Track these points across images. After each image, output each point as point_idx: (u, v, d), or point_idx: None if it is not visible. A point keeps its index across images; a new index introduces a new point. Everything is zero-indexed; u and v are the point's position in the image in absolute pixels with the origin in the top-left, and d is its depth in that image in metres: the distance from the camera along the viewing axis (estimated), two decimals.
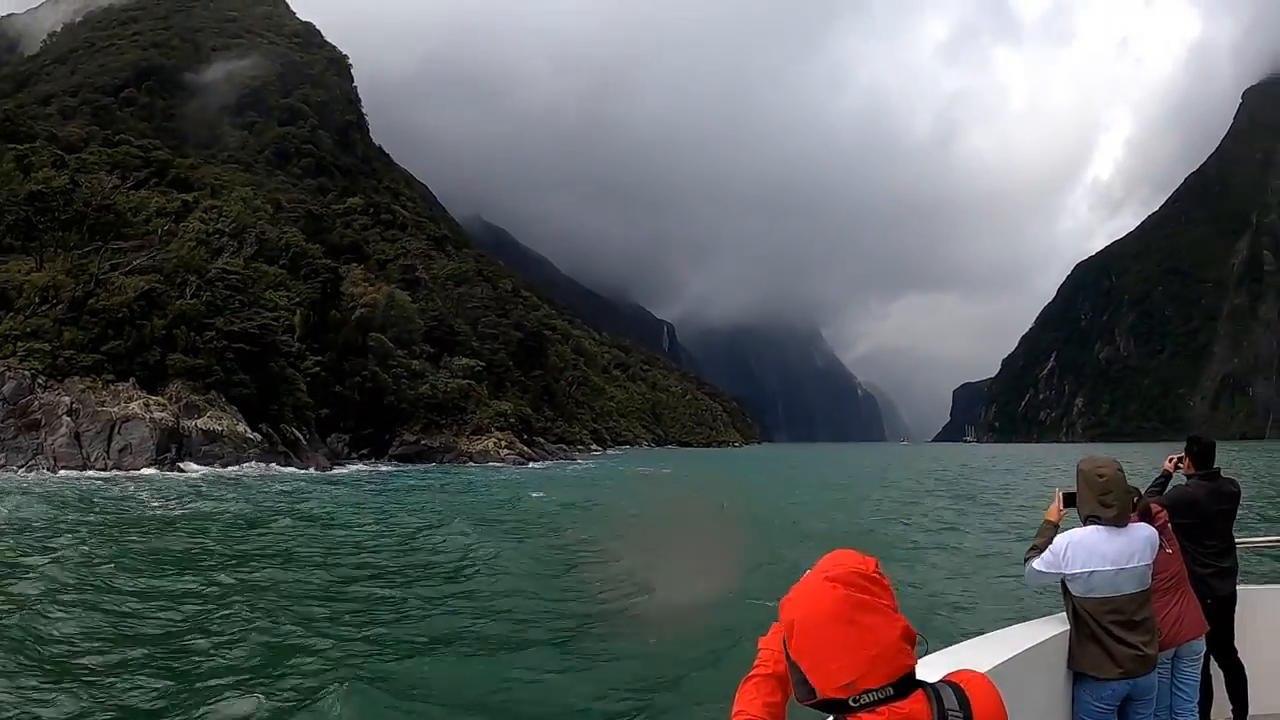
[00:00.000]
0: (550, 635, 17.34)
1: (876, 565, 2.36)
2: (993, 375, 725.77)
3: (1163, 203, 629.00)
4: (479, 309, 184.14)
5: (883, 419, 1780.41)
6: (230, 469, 78.29)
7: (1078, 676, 6.40)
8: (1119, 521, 6.22)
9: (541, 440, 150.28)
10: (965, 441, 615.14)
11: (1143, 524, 6.46)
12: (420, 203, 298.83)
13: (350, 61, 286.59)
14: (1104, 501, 6.20)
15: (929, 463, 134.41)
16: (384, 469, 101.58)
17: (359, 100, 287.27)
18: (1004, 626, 6.64)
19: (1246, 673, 7.91)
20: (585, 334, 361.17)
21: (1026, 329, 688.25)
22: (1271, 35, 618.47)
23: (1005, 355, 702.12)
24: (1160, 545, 6.61)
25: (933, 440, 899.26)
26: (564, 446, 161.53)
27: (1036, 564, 6.44)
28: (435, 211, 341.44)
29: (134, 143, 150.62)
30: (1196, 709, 7.11)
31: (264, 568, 24.56)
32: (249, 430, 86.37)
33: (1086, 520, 6.35)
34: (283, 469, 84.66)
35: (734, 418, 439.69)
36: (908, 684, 2.26)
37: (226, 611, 17.72)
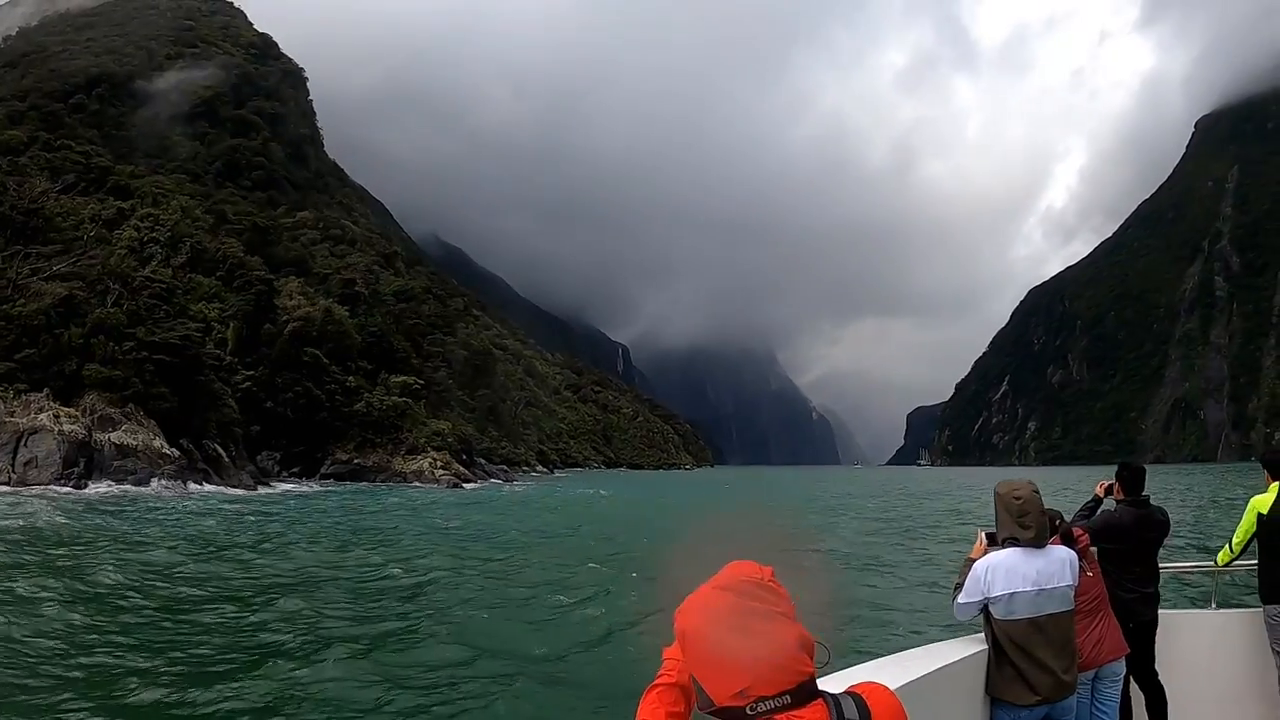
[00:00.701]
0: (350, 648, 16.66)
1: (772, 574, 2.34)
2: (946, 399, 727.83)
3: (1115, 230, 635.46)
4: (423, 326, 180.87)
5: (837, 442, 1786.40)
6: (140, 487, 74.42)
7: (995, 699, 6.36)
8: (1038, 543, 6.21)
9: (482, 461, 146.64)
10: (919, 465, 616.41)
11: (1062, 546, 6.47)
12: (373, 219, 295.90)
13: (306, 75, 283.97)
14: (1022, 524, 6.20)
15: (861, 486, 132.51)
16: (313, 488, 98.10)
17: (314, 114, 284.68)
18: (923, 644, 6.60)
19: (1167, 695, 8.11)
20: (537, 354, 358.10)
21: (980, 354, 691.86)
22: (1222, 66, 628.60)
23: (959, 379, 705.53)
24: (1081, 568, 6.68)
25: (887, 463, 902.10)
26: (505, 468, 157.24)
27: (961, 598, 6.40)
28: (389, 229, 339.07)
29: (75, 148, 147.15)
30: None
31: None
32: (166, 445, 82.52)
33: (1005, 543, 6.32)
34: (201, 487, 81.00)
35: (686, 440, 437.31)
36: (806, 692, 2.23)
37: None
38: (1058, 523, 6.92)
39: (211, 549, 34.42)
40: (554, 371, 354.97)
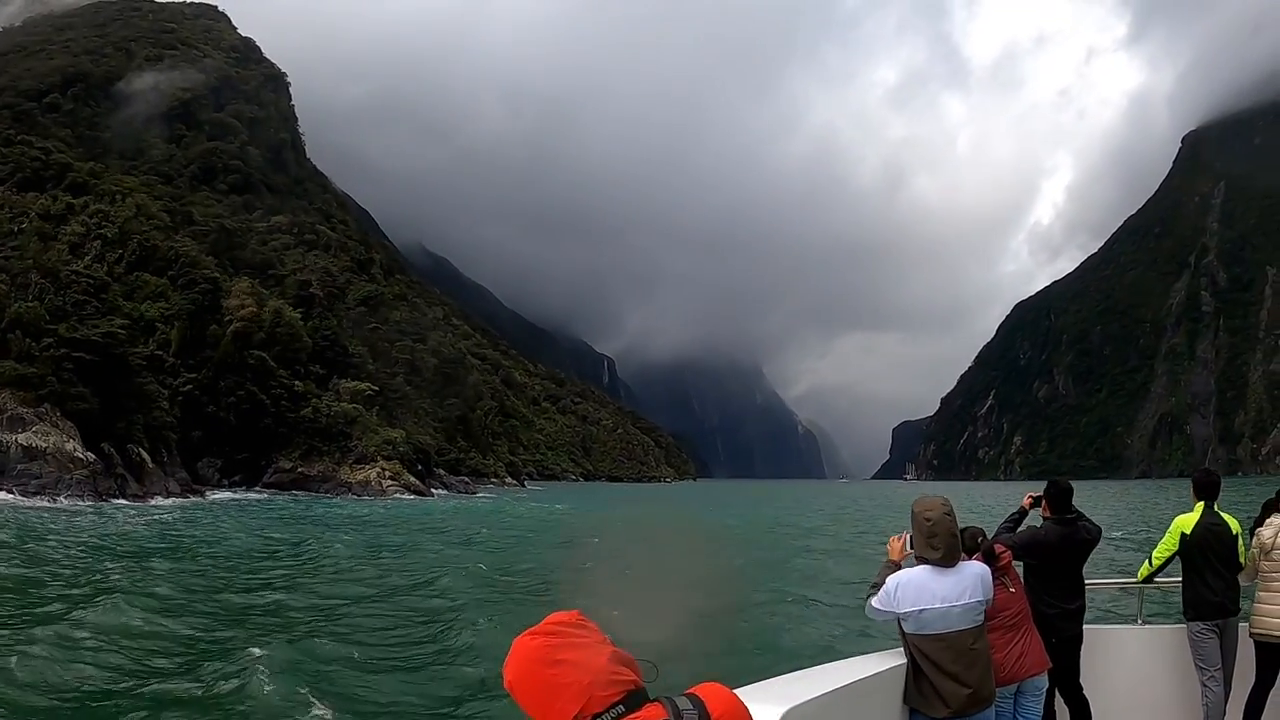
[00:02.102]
0: None
1: (579, 614, 2.49)
2: (932, 414, 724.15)
3: (1101, 245, 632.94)
4: (389, 333, 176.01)
5: (823, 456, 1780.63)
6: (34, 499, 68.39)
7: (912, 712, 6.46)
8: (946, 562, 6.31)
9: (442, 472, 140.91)
10: (905, 479, 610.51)
11: (973, 562, 6.60)
12: (353, 226, 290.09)
13: (289, 79, 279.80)
14: (931, 544, 6.31)
15: (836, 501, 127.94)
16: (247, 497, 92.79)
17: (295, 119, 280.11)
18: (843, 659, 6.68)
19: (1091, 710, 8.24)
20: (518, 365, 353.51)
21: (966, 368, 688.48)
22: (1208, 83, 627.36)
23: (945, 394, 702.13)
24: (1003, 584, 7.17)
25: (872, 478, 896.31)
26: (467, 480, 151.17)
27: (875, 602, 6.51)
28: (371, 237, 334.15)
29: (34, 144, 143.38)
30: None
31: None
32: (81, 449, 76.83)
33: (918, 560, 6.44)
34: (117, 498, 75.48)
35: (668, 453, 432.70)
36: (638, 699, 2.36)
37: None
38: (980, 539, 7.19)
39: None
40: (534, 382, 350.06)
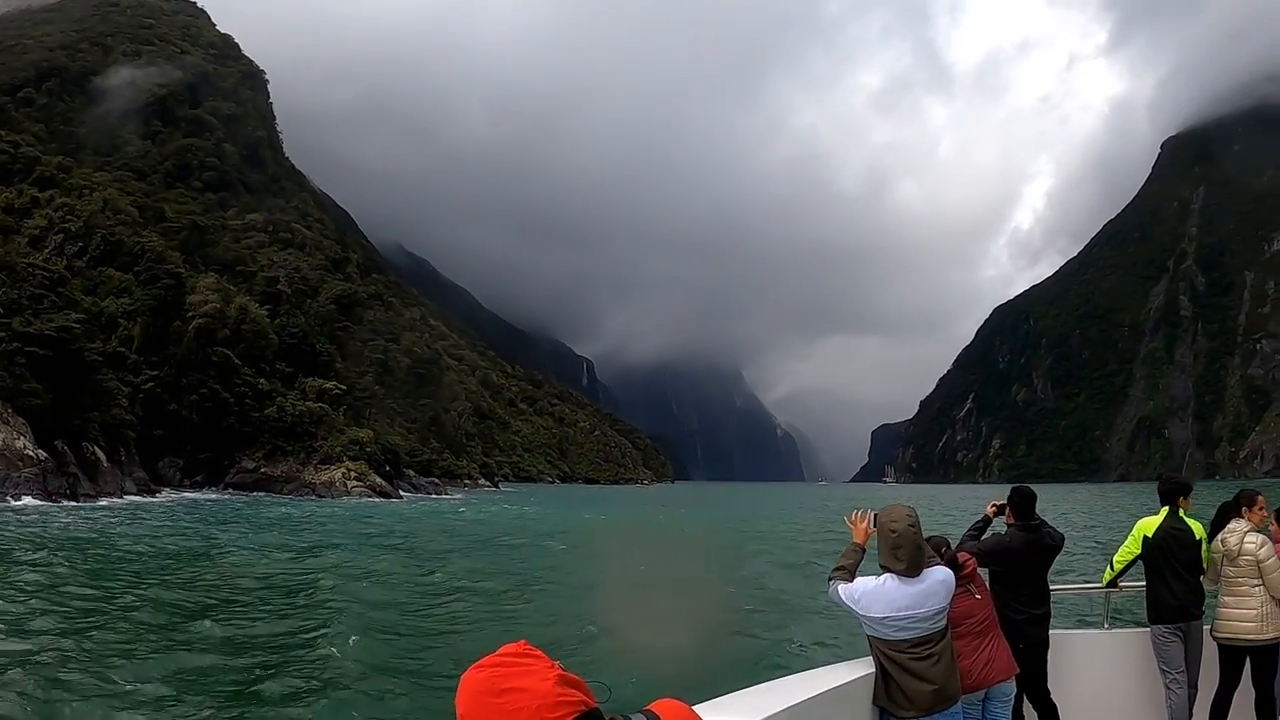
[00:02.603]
0: None
1: (525, 644, 2.50)
2: (911, 417, 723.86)
3: (1080, 249, 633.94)
4: (362, 332, 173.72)
5: (801, 459, 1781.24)
6: None
7: (883, 714, 6.59)
8: (911, 573, 6.42)
9: (412, 473, 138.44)
10: (885, 482, 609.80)
11: (938, 568, 6.65)
12: (330, 225, 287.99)
13: (268, 77, 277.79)
14: (896, 555, 6.43)
15: (807, 503, 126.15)
16: (208, 497, 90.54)
17: (273, 117, 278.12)
18: (811, 669, 6.77)
19: (1059, 714, 8.35)
20: (495, 366, 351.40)
21: (945, 372, 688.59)
22: (1189, 89, 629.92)
23: (924, 397, 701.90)
24: (968, 590, 7.29)
25: (851, 480, 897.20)
26: (437, 481, 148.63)
27: (842, 589, 6.63)
28: (349, 236, 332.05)
29: (4, 138, 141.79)
30: None
31: None
32: (32, 447, 74.33)
33: (882, 568, 6.54)
34: (67, 498, 73.00)
35: (646, 455, 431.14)
36: (592, 718, 2.37)
37: None
38: (943, 550, 7.18)
39: None
40: (511, 384, 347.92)
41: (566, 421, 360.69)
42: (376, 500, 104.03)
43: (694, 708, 4.65)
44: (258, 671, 16.82)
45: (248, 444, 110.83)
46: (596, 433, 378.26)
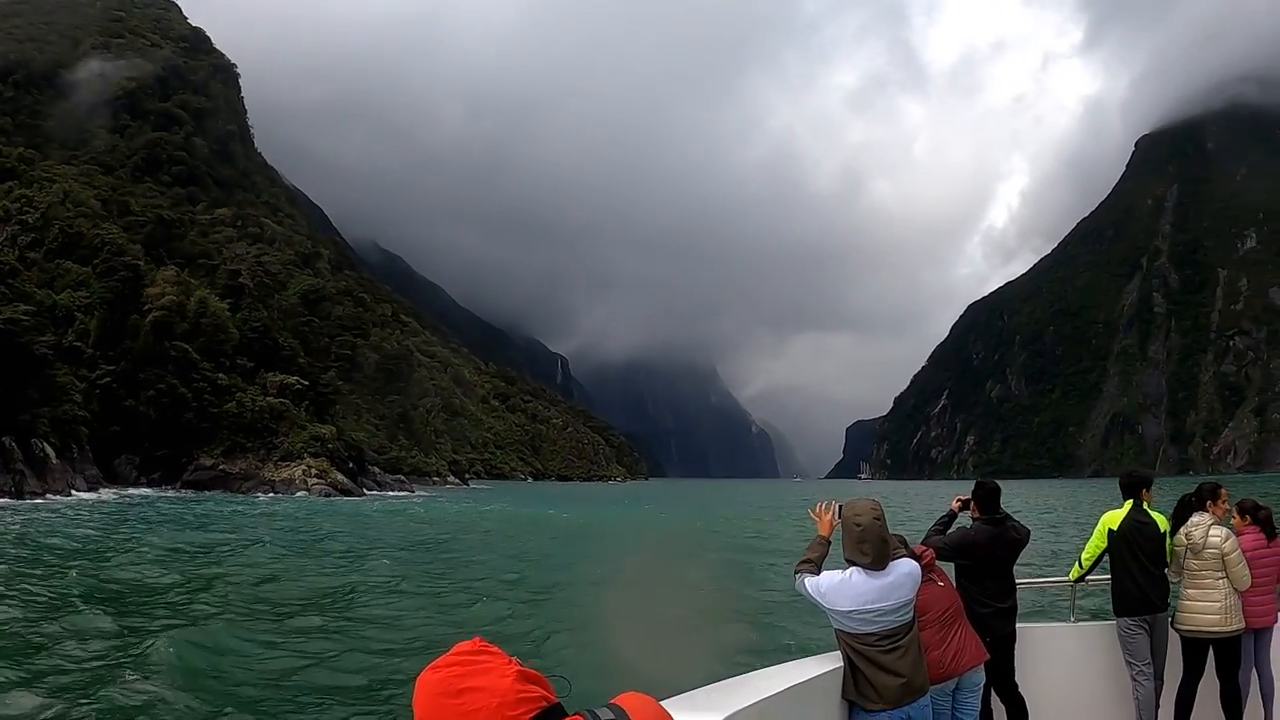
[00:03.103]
0: None
1: (480, 641, 2.48)
2: (885, 414, 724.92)
3: (1055, 246, 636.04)
4: (330, 327, 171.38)
5: (776, 456, 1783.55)
6: None
7: (852, 708, 6.57)
8: (876, 566, 6.41)
9: (377, 470, 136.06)
10: (860, 479, 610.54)
11: (904, 560, 6.64)
12: (301, 220, 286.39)
13: (239, 71, 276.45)
14: (861, 549, 6.42)
15: (777, 499, 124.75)
16: (162, 495, 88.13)
17: (244, 111, 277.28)
18: (779, 664, 6.72)
19: (1027, 707, 8.40)
20: (468, 363, 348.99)
21: (919, 369, 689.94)
22: (1163, 89, 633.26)
23: (898, 394, 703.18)
24: (931, 580, 7.26)
25: (826, 477, 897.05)
26: (403, 478, 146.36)
27: (808, 582, 6.63)
28: (321, 232, 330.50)
29: None
30: None
31: None
32: None
33: (848, 562, 6.54)
34: (7, 495, 70.47)
35: (620, 452, 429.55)
36: (554, 713, 2.35)
37: None
38: (899, 550, 6.87)
39: None
40: (483, 380, 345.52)
41: (539, 418, 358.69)
42: (335, 499, 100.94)
43: (673, 702, 4.82)
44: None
45: (206, 440, 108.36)
46: (569, 430, 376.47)
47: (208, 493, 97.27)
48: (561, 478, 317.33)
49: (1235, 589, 9.06)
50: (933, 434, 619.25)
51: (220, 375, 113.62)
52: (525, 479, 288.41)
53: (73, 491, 79.60)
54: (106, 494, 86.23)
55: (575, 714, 2.39)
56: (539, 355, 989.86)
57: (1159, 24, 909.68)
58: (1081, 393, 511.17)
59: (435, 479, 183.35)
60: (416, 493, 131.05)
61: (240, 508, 73.20)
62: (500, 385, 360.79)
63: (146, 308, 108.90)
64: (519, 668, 2.39)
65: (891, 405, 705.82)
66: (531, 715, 2.30)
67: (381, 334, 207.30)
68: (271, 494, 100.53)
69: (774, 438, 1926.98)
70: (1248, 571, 9.07)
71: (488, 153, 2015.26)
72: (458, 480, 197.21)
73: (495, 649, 2.46)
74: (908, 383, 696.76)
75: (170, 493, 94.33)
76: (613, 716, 2.42)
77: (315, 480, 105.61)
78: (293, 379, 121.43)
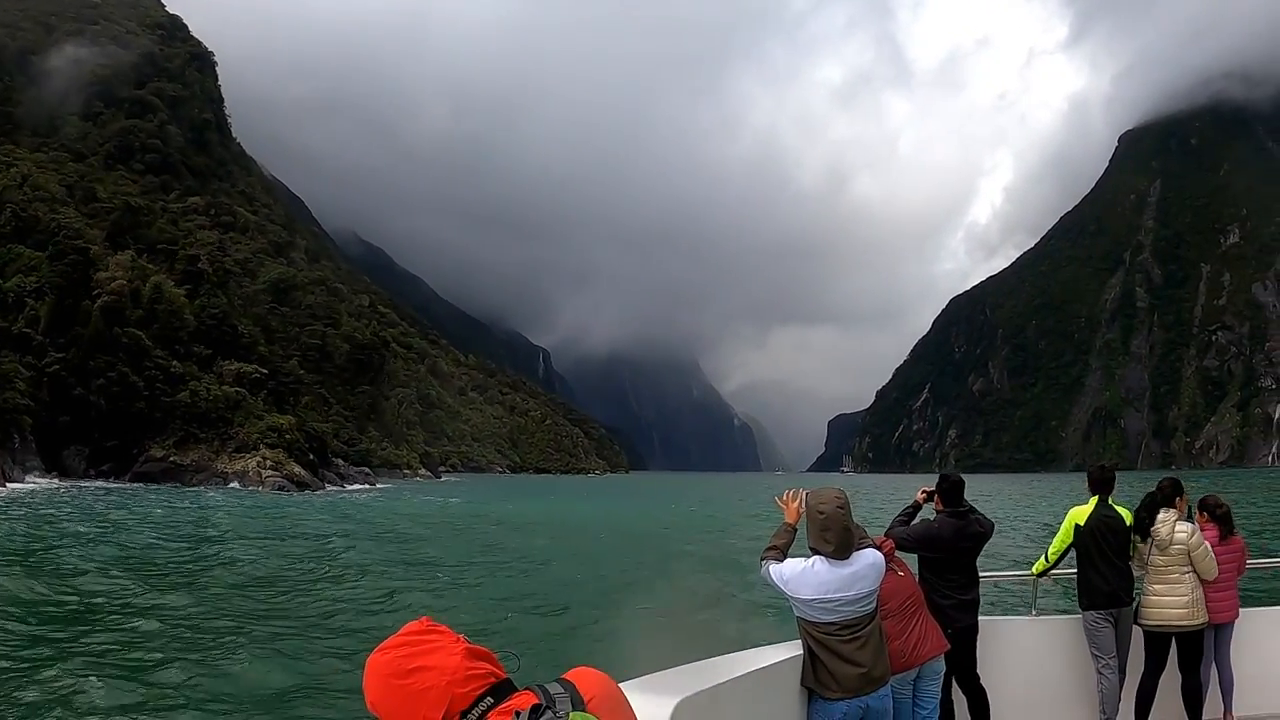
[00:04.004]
0: None
1: (428, 620, 2.50)
2: (867, 407, 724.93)
3: (1038, 240, 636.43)
4: (300, 316, 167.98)
5: (758, 449, 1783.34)
6: None
7: (811, 696, 6.56)
8: (839, 555, 6.39)
9: (340, 462, 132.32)
10: (843, 472, 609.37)
11: (869, 550, 6.60)
12: (277, 210, 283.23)
13: (216, 59, 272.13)
14: (824, 538, 6.40)
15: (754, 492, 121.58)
16: (106, 487, 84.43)
17: (221, 100, 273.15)
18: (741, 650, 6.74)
19: (989, 699, 8.44)
20: (447, 355, 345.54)
21: (901, 363, 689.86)
22: (1147, 85, 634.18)
23: (880, 387, 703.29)
24: (892, 570, 7.16)
25: (807, 470, 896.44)
26: (368, 471, 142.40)
27: (772, 569, 6.63)
28: (299, 223, 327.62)
29: None
30: None
31: None
32: None
33: (812, 550, 6.53)
34: None
35: (600, 445, 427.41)
36: (505, 689, 2.38)
37: None
38: (864, 540, 6.83)
39: None
40: (461, 372, 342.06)
41: (518, 411, 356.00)
42: (288, 492, 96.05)
43: (629, 685, 4.78)
44: None
45: (158, 431, 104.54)
46: (548, 422, 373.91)
47: (155, 485, 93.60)
48: (540, 470, 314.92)
49: (1203, 580, 9.19)
50: (914, 428, 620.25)
51: (174, 363, 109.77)
52: (502, 471, 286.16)
53: (6, 484, 75.76)
54: (48, 484, 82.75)
55: (525, 689, 2.39)
56: (521, 348, 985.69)
57: (1144, 20, 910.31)
58: (1064, 387, 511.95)
59: (406, 471, 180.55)
60: (377, 486, 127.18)
61: (184, 503, 69.43)
62: (479, 378, 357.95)
63: (96, 293, 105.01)
64: (467, 645, 2.42)
65: (873, 399, 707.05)
66: (480, 691, 2.32)
67: (354, 324, 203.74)
68: (226, 486, 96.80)
69: (756, 431, 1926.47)
70: (1215, 563, 9.18)
71: (471, 147, 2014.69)
72: (429, 473, 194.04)
73: (443, 628, 2.47)
74: (890, 376, 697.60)
75: (114, 485, 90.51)
76: (563, 690, 2.41)
77: (270, 473, 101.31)
78: (251, 367, 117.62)
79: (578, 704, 2.40)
